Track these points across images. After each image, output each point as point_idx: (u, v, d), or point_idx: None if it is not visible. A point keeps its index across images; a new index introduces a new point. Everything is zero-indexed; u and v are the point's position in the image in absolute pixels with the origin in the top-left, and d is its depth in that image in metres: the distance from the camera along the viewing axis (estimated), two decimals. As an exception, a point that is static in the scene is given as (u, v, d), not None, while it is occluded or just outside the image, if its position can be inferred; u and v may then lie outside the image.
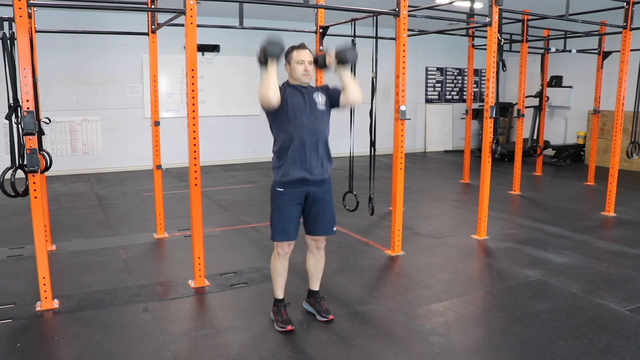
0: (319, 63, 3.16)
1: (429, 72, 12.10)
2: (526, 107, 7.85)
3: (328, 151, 3.19)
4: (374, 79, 5.10)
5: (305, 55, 3.06)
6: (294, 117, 3.04)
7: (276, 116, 3.07)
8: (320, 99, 3.13)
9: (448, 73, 12.34)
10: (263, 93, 2.92)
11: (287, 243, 3.19)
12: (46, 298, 3.54)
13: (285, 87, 3.10)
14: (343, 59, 3.10)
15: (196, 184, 3.80)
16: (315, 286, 3.44)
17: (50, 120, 4.55)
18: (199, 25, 3.74)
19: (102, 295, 3.77)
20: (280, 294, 3.31)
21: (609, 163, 6.41)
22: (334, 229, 3.30)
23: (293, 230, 3.15)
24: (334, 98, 3.18)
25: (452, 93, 12.48)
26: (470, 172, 8.32)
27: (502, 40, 5.58)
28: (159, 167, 5.11)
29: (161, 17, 5.09)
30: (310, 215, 3.21)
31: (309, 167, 3.08)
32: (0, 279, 4.12)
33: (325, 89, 3.22)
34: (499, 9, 4.85)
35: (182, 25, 3.72)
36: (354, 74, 5.21)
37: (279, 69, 2.97)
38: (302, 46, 3.10)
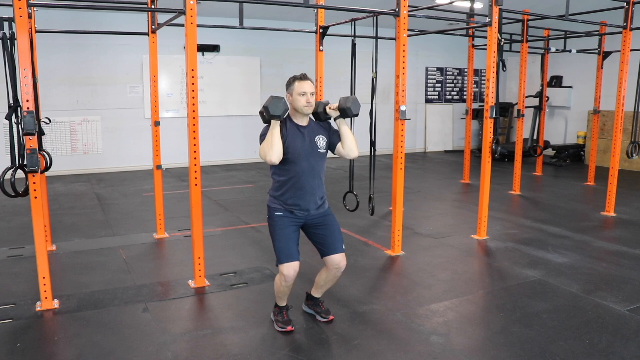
0: (320, 115, 3.14)
1: (429, 72, 12.10)
2: (526, 107, 7.85)
3: (323, 189, 3.18)
4: (374, 79, 5.10)
5: (307, 87, 3.02)
6: (294, 162, 3.02)
7: None
8: (321, 143, 3.11)
9: (448, 73, 12.34)
10: (266, 153, 2.90)
11: (293, 268, 3.06)
12: (46, 298, 3.54)
13: (285, 127, 3.04)
14: (347, 113, 3.09)
15: (196, 184, 3.80)
16: (317, 294, 3.40)
17: (50, 120, 4.55)
18: (199, 25, 3.74)
19: (102, 295, 3.77)
20: (283, 303, 3.29)
21: (609, 163, 6.41)
22: (343, 246, 3.23)
23: (295, 251, 3.08)
24: (332, 144, 3.16)
25: (452, 93, 12.48)
26: (470, 172, 8.32)
27: (502, 40, 5.58)
28: (159, 167, 5.11)
29: (161, 17, 5.09)
30: (319, 237, 3.17)
31: (307, 207, 3.09)
32: (0, 279, 4.12)
33: (327, 131, 3.18)
34: (499, 9, 4.85)
35: (182, 25, 3.73)
36: (354, 71, 5.23)
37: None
38: (303, 77, 3.06)
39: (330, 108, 3.12)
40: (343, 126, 3.12)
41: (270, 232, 3.15)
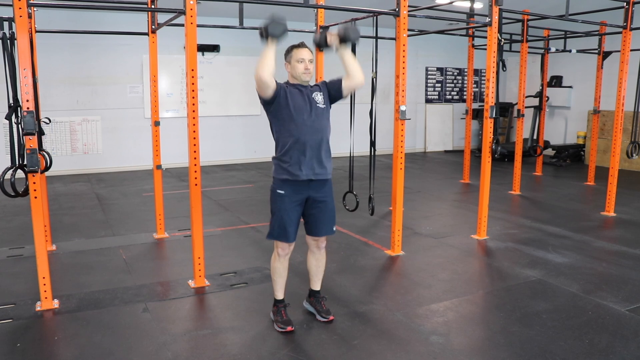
0: (320, 42, 3.16)
1: (429, 72, 12.10)
2: (526, 107, 7.85)
3: (329, 150, 3.18)
4: (374, 79, 5.09)
5: (305, 54, 3.06)
6: (295, 117, 3.03)
7: (277, 115, 3.07)
8: (319, 98, 3.13)
9: (448, 73, 12.34)
10: (258, 71, 2.90)
11: (287, 243, 3.18)
12: (46, 298, 3.54)
13: (286, 86, 3.09)
14: (345, 38, 3.09)
15: (196, 184, 3.80)
16: (316, 286, 3.43)
17: (50, 120, 4.55)
18: (199, 25, 3.74)
19: (102, 295, 3.77)
20: (280, 295, 3.31)
21: (609, 163, 6.41)
22: (334, 228, 3.30)
23: (293, 232, 3.14)
24: (335, 89, 3.18)
25: (452, 93, 12.48)
26: (470, 172, 8.32)
27: (502, 40, 5.58)
28: (159, 167, 5.11)
29: (161, 17, 5.09)
30: (311, 217, 3.21)
31: (311, 167, 3.08)
32: (0, 279, 4.12)
33: (323, 85, 3.22)
34: (499, 9, 4.85)
35: (182, 25, 3.72)
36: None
37: (277, 53, 2.93)
38: (301, 45, 3.10)
39: (331, 36, 3.13)
40: (345, 53, 3.12)
41: (271, 203, 3.18)
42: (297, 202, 3.13)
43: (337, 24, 5.34)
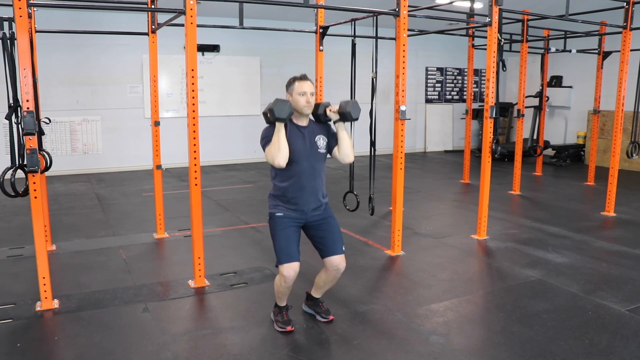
0: (320, 117, 3.14)
1: (429, 72, 12.10)
2: (526, 107, 7.84)
3: (324, 189, 3.19)
4: (374, 79, 5.10)
5: (307, 87, 3.03)
6: (295, 163, 3.02)
7: None
8: (321, 143, 3.11)
9: (448, 73, 12.34)
10: (274, 156, 2.92)
11: (293, 269, 3.05)
12: (46, 298, 3.54)
13: (286, 128, 3.03)
14: (346, 117, 3.10)
15: (196, 184, 3.80)
16: (317, 294, 3.40)
17: (50, 120, 4.55)
18: (199, 25, 3.74)
19: (102, 295, 3.77)
20: (283, 303, 3.29)
21: (609, 163, 6.41)
22: (343, 248, 3.22)
23: (295, 251, 3.08)
24: (329, 147, 3.16)
25: (452, 93, 12.48)
26: (470, 172, 8.32)
27: (502, 40, 5.58)
28: (159, 167, 5.11)
29: (161, 17, 5.09)
30: (319, 238, 3.17)
31: (307, 207, 3.09)
32: (0, 279, 4.12)
33: (326, 132, 3.18)
34: (499, 9, 4.85)
35: (182, 25, 3.72)
36: (354, 71, 5.23)
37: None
38: (303, 77, 3.08)
39: (330, 110, 3.13)
40: (342, 130, 3.13)
41: (271, 233, 3.15)
42: (295, 223, 3.11)
43: (337, 24, 5.36)
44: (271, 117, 2.92)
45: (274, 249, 3.11)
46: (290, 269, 3.04)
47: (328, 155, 3.19)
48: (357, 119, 3.14)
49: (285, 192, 3.08)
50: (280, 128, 2.93)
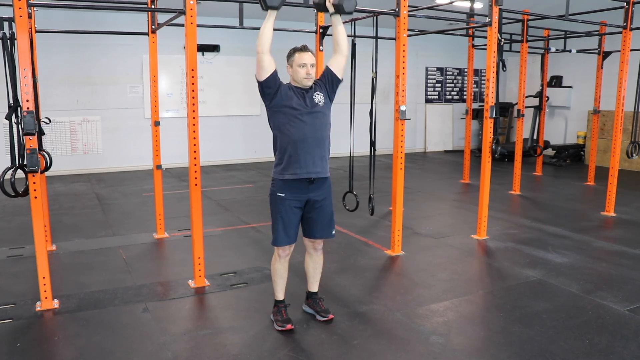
0: (319, 6, 3.21)
1: (429, 72, 12.10)
2: (526, 107, 7.85)
3: (328, 149, 3.18)
4: (374, 79, 5.09)
5: (308, 58, 3.04)
6: (296, 115, 3.02)
7: (277, 112, 3.06)
8: (319, 98, 3.11)
9: (448, 73, 12.34)
10: (257, 45, 2.97)
11: (288, 248, 3.19)
12: (46, 298, 3.54)
13: (287, 87, 3.08)
14: (339, 9, 3.12)
15: (196, 184, 3.80)
16: (313, 287, 3.44)
17: (50, 120, 4.55)
18: (199, 25, 3.74)
19: (102, 295, 3.77)
20: (280, 296, 3.31)
21: (609, 163, 6.41)
22: (333, 232, 3.29)
23: (294, 234, 3.16)
24: (329, 78, 3.16)
25: (452, 93, 12.48)
26: (470, 172, 8.32)
27: (502, 40, 5.58)
28: (159, 167, 5.11)
29: (161, 17, 5.09)
30: (309, 219, 3.20)
31: (312, 164, 3.06)
32: (0, 279, 4.12)
33: (319, 81, 3.19)
34: (499, 9, 4.85)
35: (182, 25, 3.73)
36: (354, 71, 5.23)
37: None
38: (304, 48, 3.07)
39: (329, 1, 3.15)
40: (336, 21, 3.16)
41: (271, 207, 3.18)
42: (296, 204, 3.12)
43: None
44: (264, 5, 2.94)
45: (272, 226, 3.17)
46: (286, 247, 3.18)
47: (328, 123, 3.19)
48: (350, 12, 3.14)
49: (288, 151, 3.03)
50: (269, 17, 2.95)
